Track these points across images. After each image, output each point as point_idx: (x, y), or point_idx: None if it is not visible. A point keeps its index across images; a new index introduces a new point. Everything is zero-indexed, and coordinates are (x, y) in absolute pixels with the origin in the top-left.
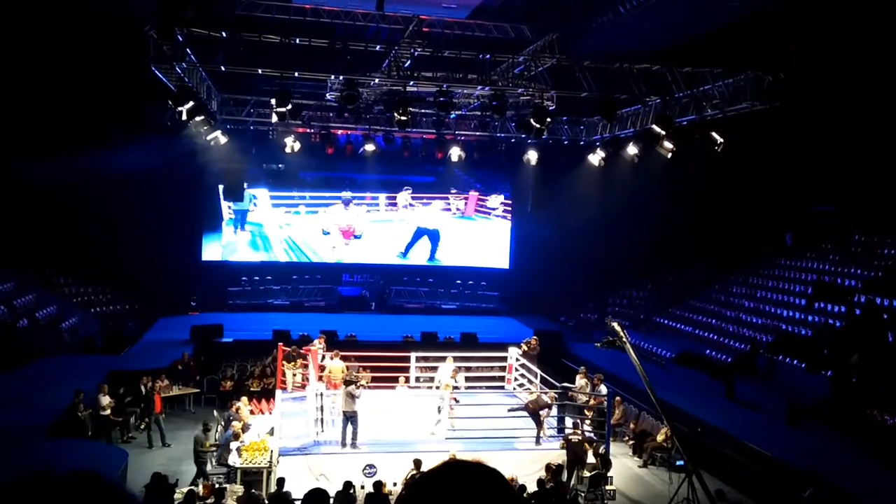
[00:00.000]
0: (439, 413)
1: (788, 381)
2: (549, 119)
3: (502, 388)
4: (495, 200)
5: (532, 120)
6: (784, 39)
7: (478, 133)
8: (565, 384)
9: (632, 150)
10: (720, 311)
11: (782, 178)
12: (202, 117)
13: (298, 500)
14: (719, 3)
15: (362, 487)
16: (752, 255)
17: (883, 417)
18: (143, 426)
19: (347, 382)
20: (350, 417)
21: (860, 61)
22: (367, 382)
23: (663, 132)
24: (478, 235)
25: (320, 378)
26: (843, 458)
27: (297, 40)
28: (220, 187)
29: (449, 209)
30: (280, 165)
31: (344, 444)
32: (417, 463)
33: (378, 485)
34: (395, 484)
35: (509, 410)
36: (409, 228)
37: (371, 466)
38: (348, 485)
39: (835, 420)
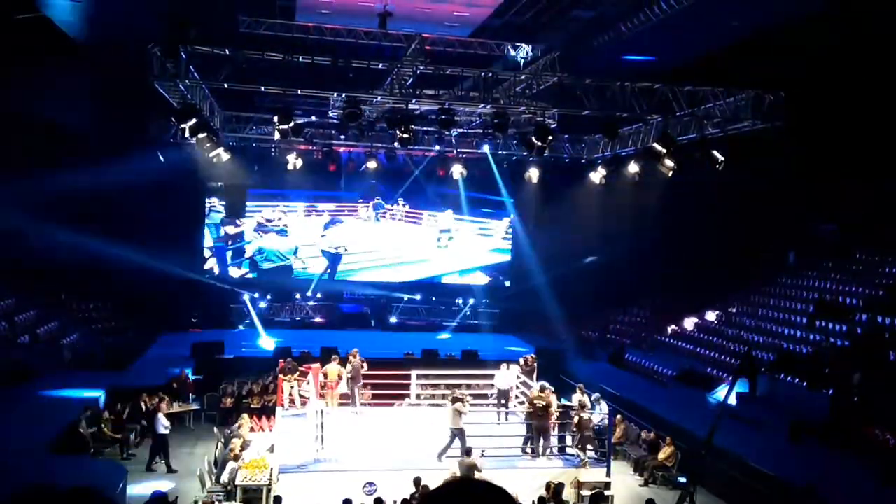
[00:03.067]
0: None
1: (789, 399)
2: (550, 137)
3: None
4: (500, 224)
5: (533, 138)
6: (786, 58)
7: (479, 151)
8: (565, 402)
9: (633, 168)
10: (720, 330)
11: (785, 197)
12: (205, 134)
13: None
14: (721, 22)
15: None
16: (754, 274)
17: (885, 436)
18: (138, 442)
19: (455, 399)
20: (457, 434)
21: (859, 80)
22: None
23: (664, 150)
24: (479, 253)
25: (321, 396)
26: (842, 476)
27: (300, 58)
28: (209, 205)
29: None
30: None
31: (440, 459)
32: (417, 481)
33: (378, 502)
34: (395, 502)
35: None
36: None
37: (371, 484)
38: (347, 502)
39: (835, 438)
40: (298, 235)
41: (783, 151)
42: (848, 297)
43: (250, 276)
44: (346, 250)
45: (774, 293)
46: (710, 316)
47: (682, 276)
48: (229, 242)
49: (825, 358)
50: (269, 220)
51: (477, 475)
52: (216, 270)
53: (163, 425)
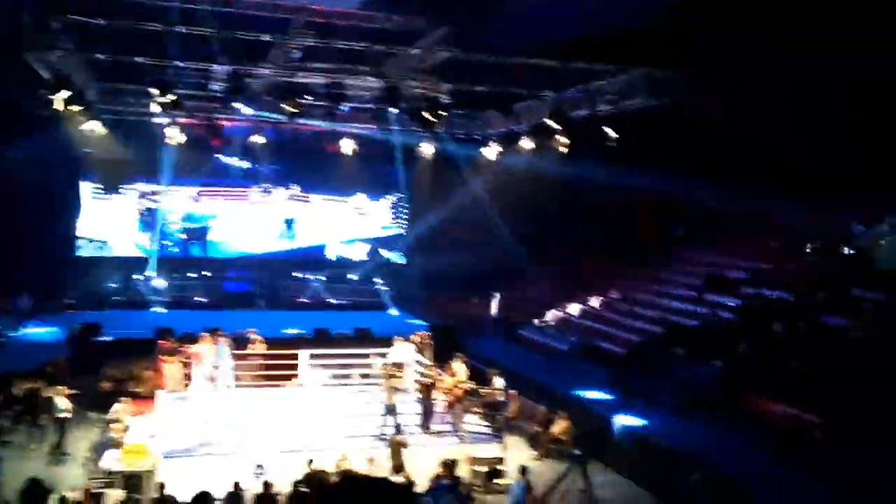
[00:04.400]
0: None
1: (680, 372)
2: (443, 113)
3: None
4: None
5: (426, 114)
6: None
7: (371, 126)
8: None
9: (527, 144)
10: (612, 304)
11: (675, 174)
12: (79, 107)
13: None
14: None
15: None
16: (645, 249)
17: (768, 405)
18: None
19: (389, 376)
20: (390, 410)
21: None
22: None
23: (557, 127)
24: (372, 230)
25: (212, 379)
26: (728, 444)
27: (182, 28)
28: (84, 183)
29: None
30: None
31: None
32: (310, 464)
33: (266, 485)
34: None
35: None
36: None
37: (260, 466)
38: (236, 486)
39: (722, 408)
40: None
41: (674, 128)
42: (735, 270)
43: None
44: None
45: (665, 268)
46: (602, 293)
47: (576, 252)
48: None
49: (714, 330)
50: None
51: (405, 452)
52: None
53: (60, 408)
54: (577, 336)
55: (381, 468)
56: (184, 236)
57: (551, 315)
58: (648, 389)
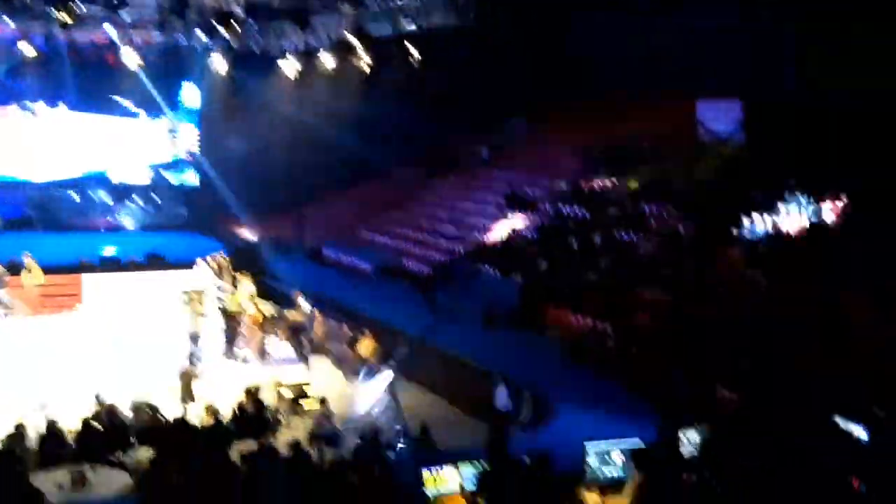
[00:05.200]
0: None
1: (484, 288)
2: (235, 24)
3: None
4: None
5: (218, 24)
6: None
7: (156, 36)
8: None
9: (327, 60)
10: (418, 223)
11: (476, 93)
12: None
13: None
14: None
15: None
16: (448, 168)
17: (567, 317)
18: None
19: (190, 300)
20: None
21: None
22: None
23: (358, 43)
24: (158, 150)
25: None
26: (533, 356)
27: None
28: None
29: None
30: None
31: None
32: (99, 399)
33: (51, 424)
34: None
35: None
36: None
37: (42, 403)
38: (18, 426)
39: (524, 321)
40: None
41: (476, 49)
42: (536, 188)
43: None
44: None
45: (469, 185)
46: (404, 213)
47: (380, 171)
48: None
49: (516, 247)
50: None
51: (194, 382)
52: None
53: None
54: (380, 256)
55: (176, 400)
56: None
57: (355, 235)
58: (453, 306)
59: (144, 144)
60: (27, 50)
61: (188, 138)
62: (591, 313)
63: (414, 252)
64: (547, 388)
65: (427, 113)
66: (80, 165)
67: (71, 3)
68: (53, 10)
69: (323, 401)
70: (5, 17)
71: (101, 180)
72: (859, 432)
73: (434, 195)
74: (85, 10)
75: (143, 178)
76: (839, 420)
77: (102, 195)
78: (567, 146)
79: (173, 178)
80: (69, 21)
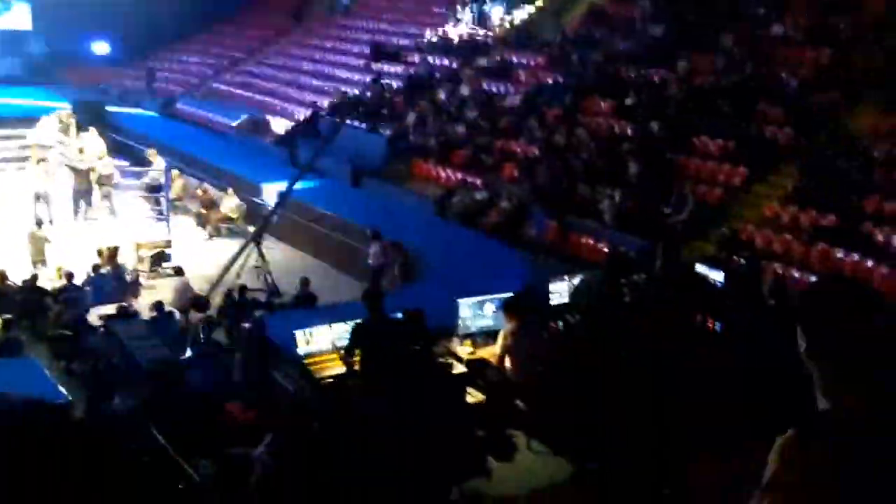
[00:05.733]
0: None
1: (350, 143)
2: None
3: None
4: None
5: None
6: None
7: None
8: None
9: None
10: (279, 76)
11: None
12: None
13: None
14: None
15: None
16: (309, 15)
17: (435, 170)
18: None
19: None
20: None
21: None
22: None
23: None
24: None
25: None
26: (401, 211)
27: None
28: None
29: None
30: None
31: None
32: None
33: None
34: None
35: None
36: None
37: None
38: None
39: (391, 175)
40: None
41: None
42: (401, 38)
43: None
44: None
45: (331, 36)
46: (268, 61)
47: (234, 20)
48: None
49: (382, 100)
50: None
51: (45, 245)
52: None
53: None
54: (240, 109)
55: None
56: None
57: (210, 87)
58: (320, 162)
59: None
60: None
61: None
62: (460, 167)
63: (276, 106)
64: (417, 243)
65: None
66: None
67: None
68: None
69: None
70: None
71: None
72: (716, 277)
73: (294, 44)
74: None
75: None
76: (700, 266)
77: None
78: None
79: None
80: None
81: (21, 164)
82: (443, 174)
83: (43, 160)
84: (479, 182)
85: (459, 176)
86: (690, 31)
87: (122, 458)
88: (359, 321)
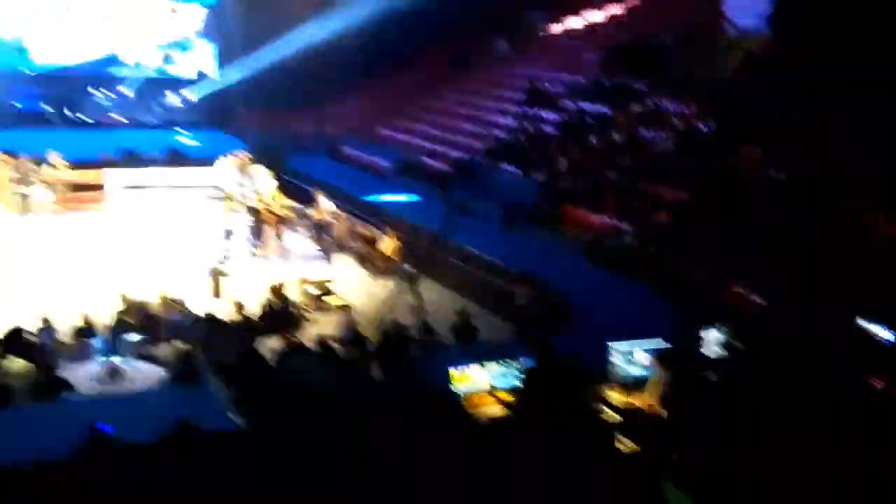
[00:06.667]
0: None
1: (503, 186)
2: None
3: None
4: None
5: None
6: None
7: None
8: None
9: None
10: (437, 120)
11: None
12: None
13: None
14: None
15: None
16: (468, 63)
17: (587, 216)
18: None
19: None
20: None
21: None
22: None
23: None
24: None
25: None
26: (553, 256)
27: None
28: None
29: None
30: None
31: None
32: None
33: (84, 318)
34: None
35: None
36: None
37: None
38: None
39: (546, 221)
40: None
41: None
42: (556, 84)
43: None
44: None
45: (488, 82)
46: (427, 107)
47: (398, 68)
48: None
49: (537, 145)
50: None
51: (222, 280)
52: None
53: None
54: (400, 153)
55: (204, 297)
56: None
57: (374, 132)
58: (472, 205)
59: (159, 28)
60: None
61: (204, 22)
62: (611, 212)
63: (433, 150)
64: (568, 287)
65: (446, 7)
66: (95, 49)
67: None
68: None
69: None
70: None
71: (116, 70)
72: (883, 333)
73: (453, 91)
74: None
75: (157, 61)
76: (862, 322)
77: (121, 90)
78: (589, 41)
79: (190, 69)
80: None
81: (202, 202)
82: (594, 219)
83: (228, 198)
84: (629, 227)
85: (610, 221)
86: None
87: None
88: (515, 363)
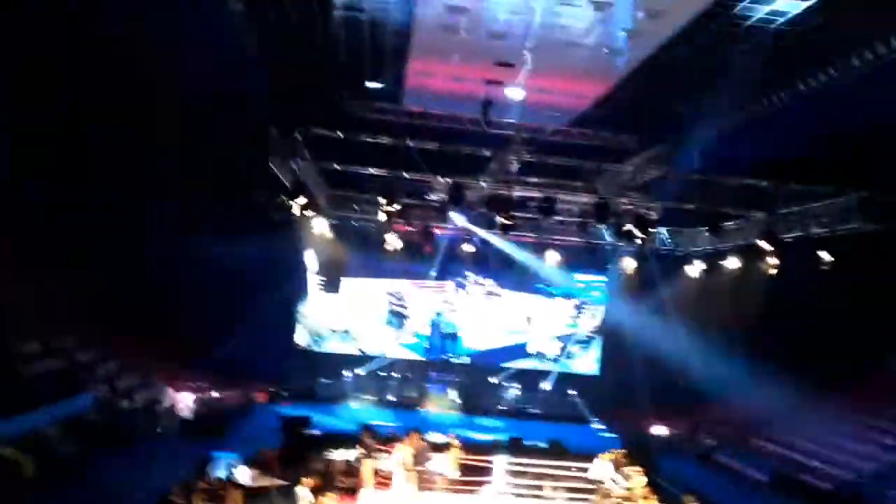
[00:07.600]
0: None
1: None
2: (651, 229)
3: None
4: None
5: (634, 229)
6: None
7: (576, 238)
8: None
9: (733, 263)
10: (818, 435)
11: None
12: (312, 213)
13: None
14: (827, 119)
15: None
16: (856, 376)
17: None
18: None
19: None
20: None
21: None
22: None
23: (769, 248)
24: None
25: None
26: None
27: (409, 142)
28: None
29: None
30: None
31: None
32: None
33: None
34: None
35: None
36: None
37: None
38: None
39: None
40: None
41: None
42: None
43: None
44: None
45: (878, 398)
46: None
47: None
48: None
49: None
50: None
51: None
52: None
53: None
54: (776, 465)
55: None
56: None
57: (746, 441)
58: None
59: (556, 323)
60: (468, 248)
61: (594, 321)
62: None
63: (813, 466)
64: None
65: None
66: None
67: (511, 210)
68: (498, 216)
69: None
70: (455, 221)
71: (521, 354)
72: None
73: (837, 407)
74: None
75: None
76: None
77: (513, 384)
78: None
79: (579, 364)
80: (508, 225)
81: (578, 495)
82: None
83: (606, 495)
84: None
85: None
86: None
87: None
88: None
